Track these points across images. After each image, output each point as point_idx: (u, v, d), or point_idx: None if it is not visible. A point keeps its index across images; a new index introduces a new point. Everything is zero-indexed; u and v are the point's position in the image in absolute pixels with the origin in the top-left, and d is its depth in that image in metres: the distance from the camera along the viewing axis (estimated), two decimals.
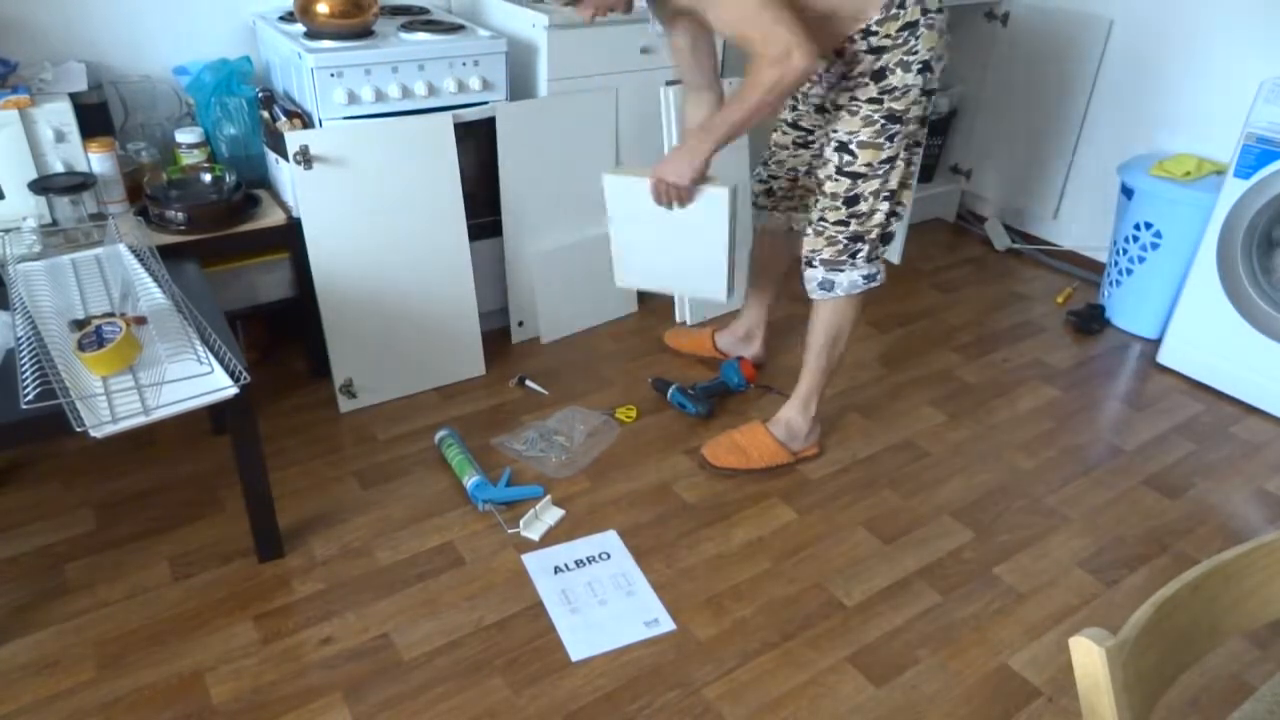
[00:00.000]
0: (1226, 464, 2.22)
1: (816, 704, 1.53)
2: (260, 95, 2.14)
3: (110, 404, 1.39)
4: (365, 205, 2.09)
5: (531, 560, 1.80)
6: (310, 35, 2.07)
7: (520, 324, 2.55)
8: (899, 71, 1.73)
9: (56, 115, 1.85)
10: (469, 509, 1.94)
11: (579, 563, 1.80)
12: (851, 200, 1.83)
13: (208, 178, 2.06)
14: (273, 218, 2.05)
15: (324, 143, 2.00)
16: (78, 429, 1.33)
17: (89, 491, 1.93)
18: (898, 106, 1.75)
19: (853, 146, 1.80)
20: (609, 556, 1.82)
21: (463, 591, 1.73)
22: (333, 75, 2.00)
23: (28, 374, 1.39)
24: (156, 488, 1.95)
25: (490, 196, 2.34)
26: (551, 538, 1.87)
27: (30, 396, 1.34)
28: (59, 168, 1.88)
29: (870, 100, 1.76)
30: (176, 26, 2.20)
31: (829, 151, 1.84)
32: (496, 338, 2.53)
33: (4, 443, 1.56)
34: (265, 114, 2.12)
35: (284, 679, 1.53)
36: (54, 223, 1.87)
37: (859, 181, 1.82)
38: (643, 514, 1.94)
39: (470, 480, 1.96)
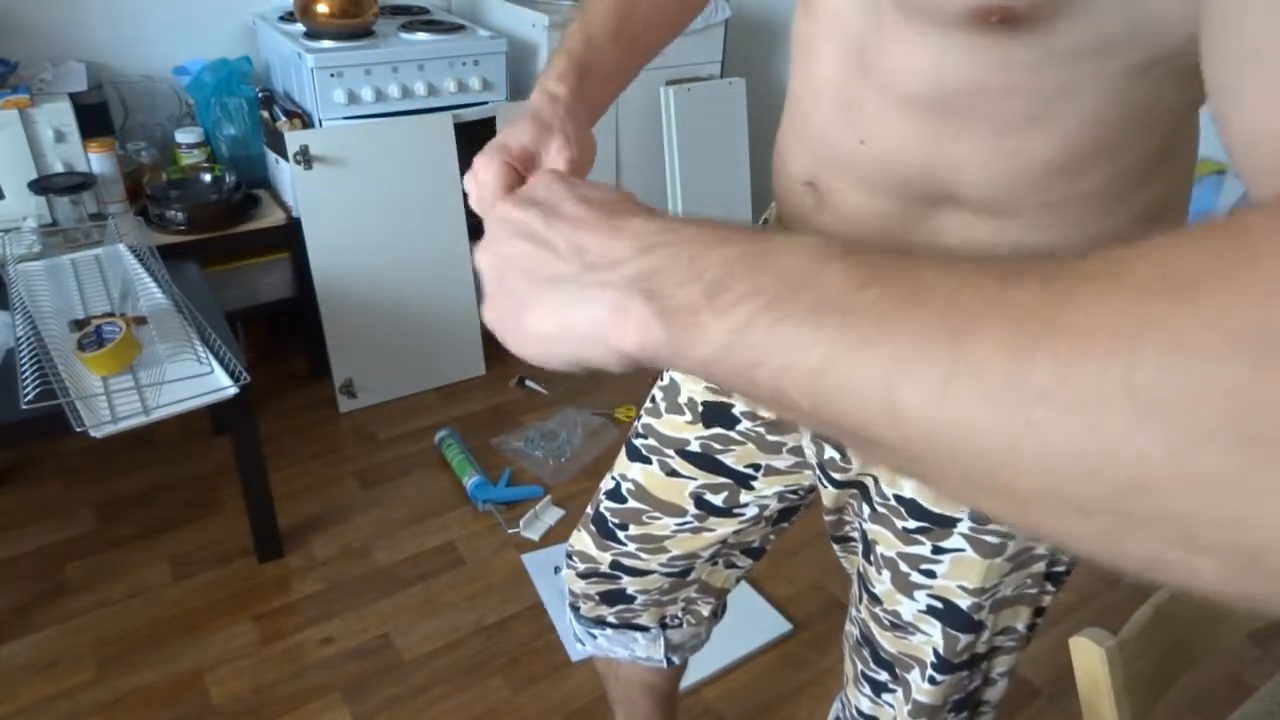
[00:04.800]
0: None
1: (816, 704, 1.53)
2: (260, 95, 2.14)
3: (110, 404, 1.39)
4: (365, 205, 2.09)
5: (531, 560, 1.80)
6: (310, 35, 2.07)
7: None
8: None
9: (56, 115, 1.85)
10: (469, 509, 1.94)
11: None
12: (971, 662, 0.81)
13: (208, 178, 2.06)
14: (273, 218, 2.05)
15: (324, 143, 2.00)
16: (78, 429, 1.33)
17: (89, 491, 1.92)
18: None
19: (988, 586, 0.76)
20: None
21: (463, 591, 1.73)
22: (333, 75, 2.00)
23: (28, 374, 1.39)
24: (156, 488, 1.95)
25: None
26: (551, 538, 1.87)
27: (30, 396, 1.34)
28: (59, 168, 1.88)
29: None
30: (176, 26, 2.19)
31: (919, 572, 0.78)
32: (496, 338, 2.52)
33: (4, 443, 1.55)
34: (265, 114, 2.12)
35: (284, 679, 1.53)
36: (54, 223, 1.86)
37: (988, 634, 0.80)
38: None
39: (470, 480, 1.96)
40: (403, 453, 2.10)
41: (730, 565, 1.00)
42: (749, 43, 2.85)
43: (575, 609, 1.05)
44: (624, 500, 0.93)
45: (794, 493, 0.89)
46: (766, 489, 0.88)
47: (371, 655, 1.58)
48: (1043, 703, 1.56)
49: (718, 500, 0.89)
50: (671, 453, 0.89)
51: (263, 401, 2.21)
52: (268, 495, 1.71)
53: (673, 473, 0.90)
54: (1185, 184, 0.66)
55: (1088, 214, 0.61)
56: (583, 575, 1.00)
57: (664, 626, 1.04)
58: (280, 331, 2.43)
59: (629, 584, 0.98)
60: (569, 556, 1.02)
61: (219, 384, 1.47)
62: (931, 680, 0.81)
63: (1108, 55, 0.51)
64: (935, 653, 0.79)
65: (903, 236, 0.66)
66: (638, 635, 1.04)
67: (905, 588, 0.79)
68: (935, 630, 0.78)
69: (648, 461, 0.91)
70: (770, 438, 0.84)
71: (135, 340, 1.49)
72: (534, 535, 1.86)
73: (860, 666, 0.88)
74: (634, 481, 0.93)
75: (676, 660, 1.07)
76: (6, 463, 1.99)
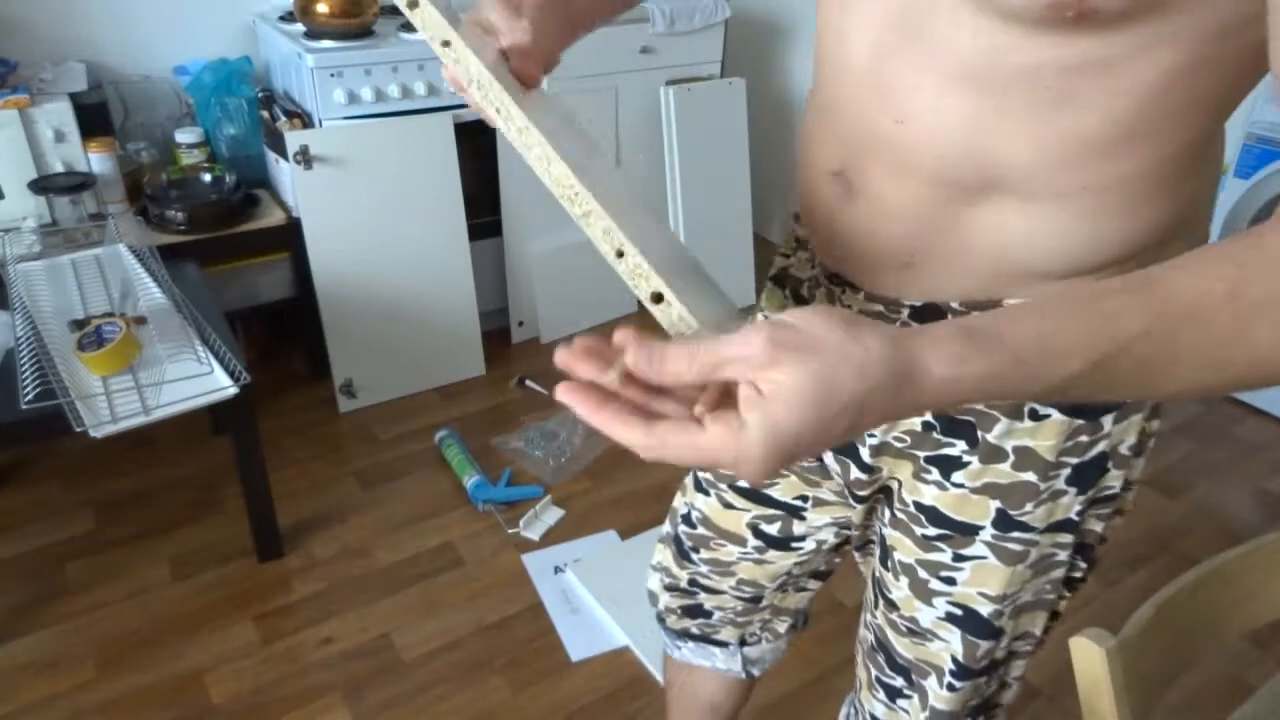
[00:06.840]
0: (1226, 464, 2.22)
1: (818, 703, 1.53)
2: (260, 95, 2.14)
3: (110, 404, 1.39)
4: (365, 205, 2.09)
5: (531, 560, 1.80)
6: (310, 35, 2.07)
7: (520, 324, 2.55)
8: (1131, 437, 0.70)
9: (56, 115, 1.85)
10: (469, 509, 1.94)
11: (579, 562, 1.80)
12: (990, 668, 0.81)
13: (208, 178, 2.06)
14: (273, 218, 2.05)
15: (324, 143, 2.00)
16: (78, 429, 1.33)
17: (89, 491, 1.92)
18: (1097, 527, 0.75)
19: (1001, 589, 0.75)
20: (609, 556, 1.82)
21: (463, 591, 1.73)
22: (333, 75, 2.00)
23: (28, 374, 1.39)
24: (156, 488, 1.95)
25: (490, 196, 2.34)
26: (551, 538, 1.87)
27: (30, 396, 1.34)
28: (59, 168, 1.88)
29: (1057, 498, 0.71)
30: (176, 26, 2.20)
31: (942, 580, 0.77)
32: (496, 338, 2.53)
33: (4, 443, 1.55)
34: (265, 114, 2.12)
35: (284, 679, 1.53)
36: (54, 223, 1.87)
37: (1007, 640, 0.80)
38: (642, 514, 1.94)
39: (470, 480, 1.95)
40: (403, 453, 2.10)
41: (800, 589, 1.02)
42: (749, 43, 2.86)
43: (662, 620, 1.08)
44: (695, 526, 0.97)
45: (846, 528, 0.89)
46: (818, 520, 0.88)
47: (371, 655, 1.58)
48: (1043, 703, 1.55)
49: (773, 530, 0.90)
50: (724, 487, 0.92)
51: (263, 401, 2.21)
52: (268, 495, 1.71)
53: (728, 505, 0.92)
54: (1212, 190, 0.66)
55: (1126, 204, 0.59)
56: (668, 589, 1.04)
57: (743, 643, 1.06)
58: (280, 331, 2.43)
59: (706, 600, 1.01)
60: (656, 569, 1.05)
61: (219, 384, 1.47)
62: (950, 687, 0.80)
63: (1186, 20, 0.50)
64: (954, 659, 0.79)
65: (936, 225, 0.63)
66: (716, 650, 1.07)
67: (924, 594, 0.78)
68: (954, 637, 0.78)
69: (707, 494, 0.95)
70: (810, 475, 0.86)
71: (135, 340, 1.49)
72: (534, 535, 1.86)
73: (875, 672, 0.88)
74: (700, 511, 0.96)
75: (756, 672, 1.10)
76: (6, 463, 1.99)
